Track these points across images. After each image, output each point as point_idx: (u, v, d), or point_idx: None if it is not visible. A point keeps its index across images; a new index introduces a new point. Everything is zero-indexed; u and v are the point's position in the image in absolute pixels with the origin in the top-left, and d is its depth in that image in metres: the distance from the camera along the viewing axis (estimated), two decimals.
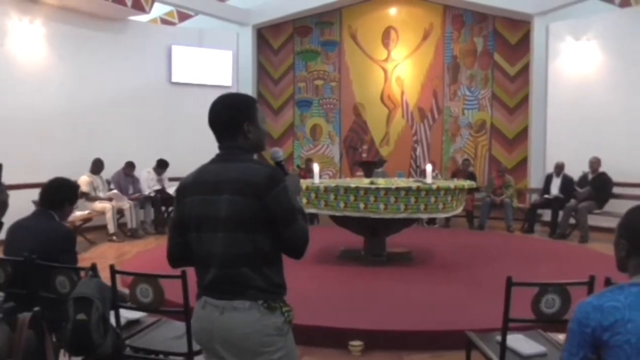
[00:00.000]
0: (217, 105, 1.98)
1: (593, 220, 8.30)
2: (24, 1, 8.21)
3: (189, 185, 1.98)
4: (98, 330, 2.64)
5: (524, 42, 10.37)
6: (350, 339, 3.90)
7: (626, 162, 8.63)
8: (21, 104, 8.18)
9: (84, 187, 8.12)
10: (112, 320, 2.86)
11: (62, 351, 2.88)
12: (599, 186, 8.48)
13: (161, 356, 3.06)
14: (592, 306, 1.58)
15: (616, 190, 8.49)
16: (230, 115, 1.96)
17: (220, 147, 1.99)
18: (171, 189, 9.49)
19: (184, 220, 1.95)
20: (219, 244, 1.87)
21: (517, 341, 2.90)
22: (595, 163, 8.59)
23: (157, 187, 9.34)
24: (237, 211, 1.85)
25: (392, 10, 11.15)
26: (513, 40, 10.53)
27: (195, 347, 2.84)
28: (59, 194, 3.21)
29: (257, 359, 1.83)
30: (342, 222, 6.31)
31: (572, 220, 8.63)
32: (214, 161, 1.99)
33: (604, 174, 8.53)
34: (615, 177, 8.49)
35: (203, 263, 1.93)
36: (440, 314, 4.51)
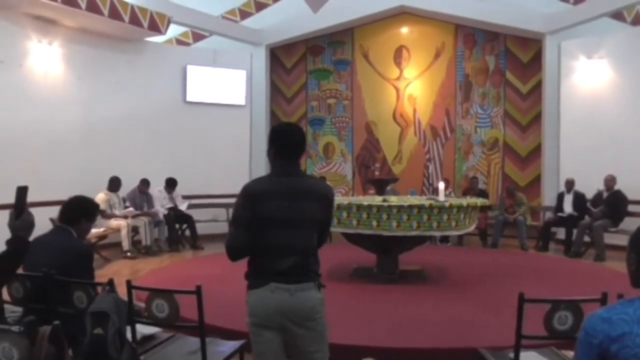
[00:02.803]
0: (296, 133, 2.53)
1: (609, 238, 8.23)
2: (44, 23, 8.42)
3: (263, 192, 2.42)
4: (114, 345, 2.68)
5: (536, 60, 10.40)
6: (362, 356, 3.89)
7: None
8: (40, 123, 8.34)
9: (100, 205, 8.21)
10: (128, 335, 2.89)
11: None
12: (613, 204, 8.42)
13: None
14: (601, 318, 1.59)
15: (631, 208, 8.42)
16: (302, 142, 2.54)
17: (285, 165, 2.49)
18: (183, 206, 9.58)
19: (260, 219, 2.39)
20: (300, 238, 2.43)
21: (531, 359, 2.89)
22: (610, 181, 8.54)
23: (170, 205, 9.43)
24: (313, 214, 2.46)
25: (404, 30, 11.27)
26: (525, 58, 10.57)
27: None
28: (78, 211, 3.27)
29: (312, 323, 2.42)
30: (355, 239, 6.32)
31: (587, 238, 8.57)
32: (282, 174, 2.48)
33: (618, 192, 8.48)
34: (629, 195, 8.43)
35: (280, 253, 2.40)
36: (453, 331, 4.49)
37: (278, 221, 2.40)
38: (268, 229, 2.39)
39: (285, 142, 2.49)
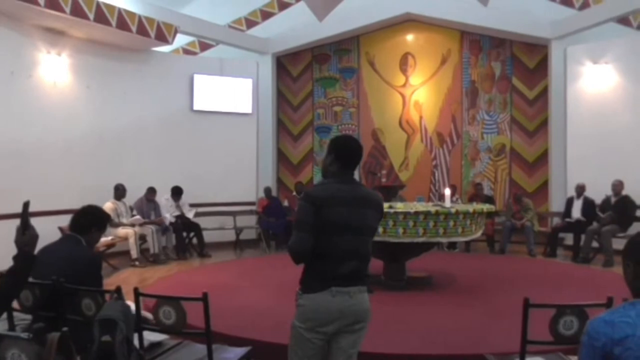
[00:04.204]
0: (356, 145, 2.73)
1: (617, 243, 8.17)
2: (52, 34, 8.52)
3: (329, 198, 2.52)
4: (121, 352, 2.70)
5: (542, 66, 10.40)
6: None
7: None
8: (49, 133, 8.44)
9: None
10: (136, 342, 2.92)
11: None
12: (622, 209, 8.37)
13: None
14: (604, 321, 1.60)
15: (639, 213, 8.38)
16: (360, 154, 2.73)
17: (344, 173, 2.65)
18: (190, 214, 9.62)
19: (325, 224, 2.48)
20: (361, 244, 2.57)
21: None
22: (618, 186, 8.50)
23: (177, 213, 9.48)
24: (370, 221, 2.62)
25: (410, 37, 11.31)
26: (531, 64, 10.57)
27: None
28: (89, 220, 3.31)
29: (362, 324, 2.58)
30: None
31: (595, 244, 8.52)
32: (343, 182, 2.61)
33: (627, 197, 8.44)
34: (638, 200, 8.39)
35: (342, 258, 2.51)
36: (460, 337, 4.49)
37: (342, 227, 2.50)
38: (332, 234, 2.49)
39: (349, 153, 2.67)
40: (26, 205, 2.23)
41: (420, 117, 11.22)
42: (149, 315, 3.31)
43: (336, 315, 2.48)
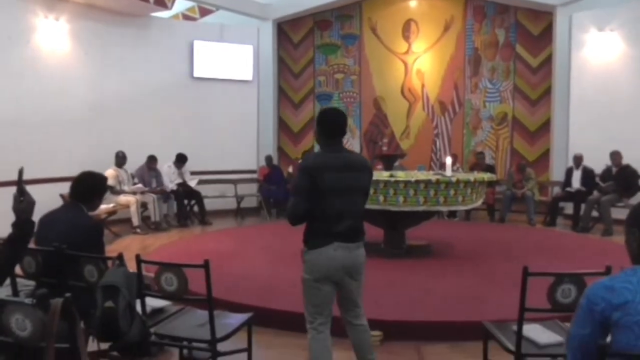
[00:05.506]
0: (335, 117, 3.04)
1: (616, 213, 8.19)
2: None
3: (323, 166, 2.86)
4: (125, 318, 2.75)
5: (547, 33, 10.24)
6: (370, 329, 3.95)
7: None
8: (48, 99, 8.38)
9: (109, 181, 8.23)
10: (138, 307, 2.95)
11: (90, 337, 2.99)
12: (625, 178, 8.35)
13: (185, 343, 3.15)
14: (604, 286, 1.62)
15: None
16: (341, 123, 3.05)
17: (331, 143, 2.98)
18: (192, 182, 9.63)
19: (322, 189, 2.81)
20: (356, 204, 2.96)
21: (534, 331, 2.93)
22: (617, 156, 8.47)
23: (179, 180, 9.49)
24: (361, 183, 2.98)
25: (413, 3, 11.12)
26: (535, 31, 10.41)
27: (219, 334, 2.94)
28: (88, 187, 3.31)
29: (361, 275, 3.02)
30: None
31: (595, 213, 8.55)
32: (332, 151, 2.95)
33: (628, 167, 8.41)
34: None
35: (338, 218, 2.86)
36: (459, 305, 4.55)
37: (335, 190, 2.84)
38: (327, 197, 2.83)
39: (329, 125, 3.00)
40: (21, 172, 2.23)
41: (422, 85, 11.11)
42: (151, 275, 3.35)
43: (338, 267, 2.87)
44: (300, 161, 10.63)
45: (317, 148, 11.48)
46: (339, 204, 2.86)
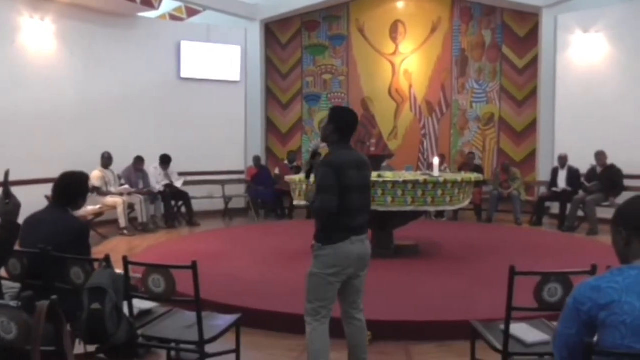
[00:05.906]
0: (355, 117, 3.19)
1: (602, 212, 8.27)
2: None
3: (347, 163, 2.98)
4: (112, 320, 2.72)
5: (533, 34, 10.33)
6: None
7: (636, 154, 8.60)
8: (32, 100, 8.29)
9: (95, 182, 8.25)
10: (126, 309, 2.93)
11: (77, 340, 2.96)
12: (610, 178, 8.45)
13: (173, 344, 3.13)
14: (591, 286, 1.63)
15: (627, 182, 8.46)
16: (357, 125, 3.20)
17: (344, 140, 3.09)
18: (178, 183, 9.58)
19: (345, 185, 2.92)
20: (368, 199, 3.15)
21: (521, 330, 2.95)
22: (602, 156, 8.57)
23: (165, 182, 9.44)
24: (369, 180, 3.18)
25: (400, 4, 11.15)
26: (521, 32, 10.50)
27: (207, 335, 2.93)
28: (70, 188, 3.26)
29: (368, 266, 3.14)
30: None
31: (580, 213, 8.63)
32: (347, 148, 3.10)
33: (613, 166, 8.51)
34: (625, 170, 8.47)
35: (354, 213, 2.99)
36: (447, 305, 4.57)
37: (355, 186, 2.98)
38: (349, 193, 2.94)
39: (348, 124, 3.11)
40: (7, 174, 2.20)
41: (410, 86, 11.15)
42: (137, 276, 3.32)
43: (355, 260, 2.99)
44: (286, 162, 10.75)
45: (305, 148, 11.49)
46: (357, 199, 2.99)
